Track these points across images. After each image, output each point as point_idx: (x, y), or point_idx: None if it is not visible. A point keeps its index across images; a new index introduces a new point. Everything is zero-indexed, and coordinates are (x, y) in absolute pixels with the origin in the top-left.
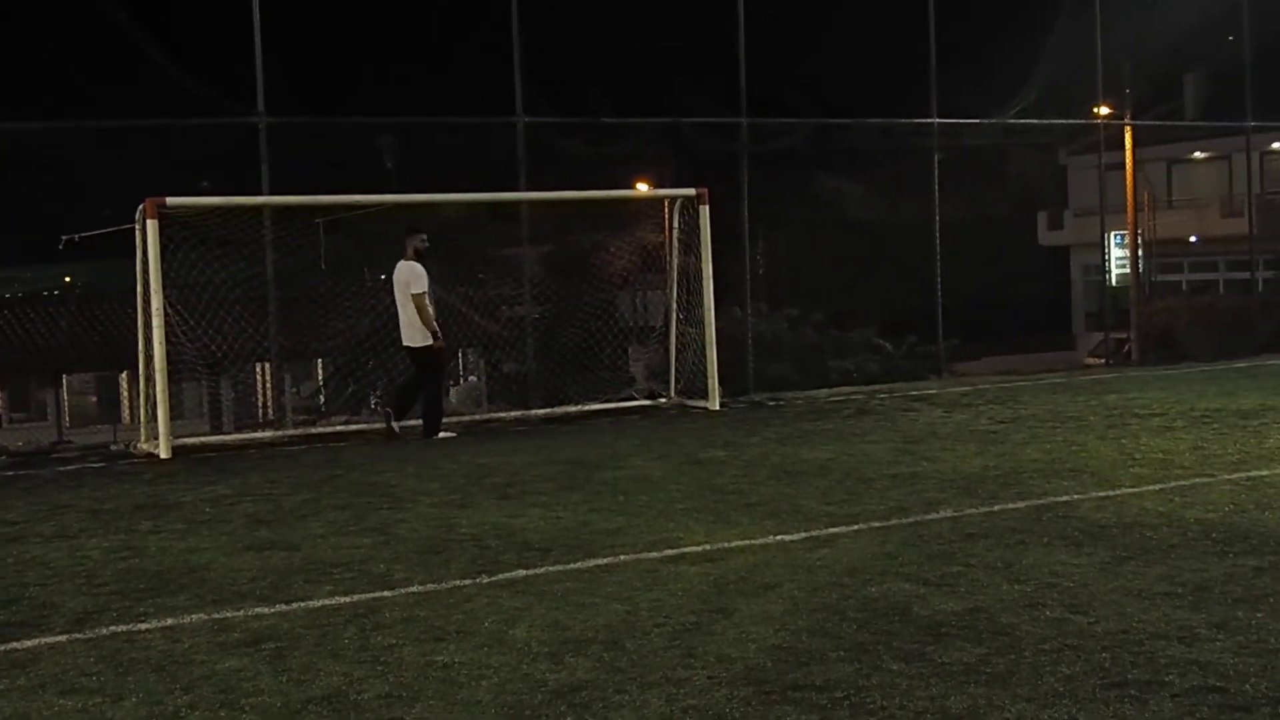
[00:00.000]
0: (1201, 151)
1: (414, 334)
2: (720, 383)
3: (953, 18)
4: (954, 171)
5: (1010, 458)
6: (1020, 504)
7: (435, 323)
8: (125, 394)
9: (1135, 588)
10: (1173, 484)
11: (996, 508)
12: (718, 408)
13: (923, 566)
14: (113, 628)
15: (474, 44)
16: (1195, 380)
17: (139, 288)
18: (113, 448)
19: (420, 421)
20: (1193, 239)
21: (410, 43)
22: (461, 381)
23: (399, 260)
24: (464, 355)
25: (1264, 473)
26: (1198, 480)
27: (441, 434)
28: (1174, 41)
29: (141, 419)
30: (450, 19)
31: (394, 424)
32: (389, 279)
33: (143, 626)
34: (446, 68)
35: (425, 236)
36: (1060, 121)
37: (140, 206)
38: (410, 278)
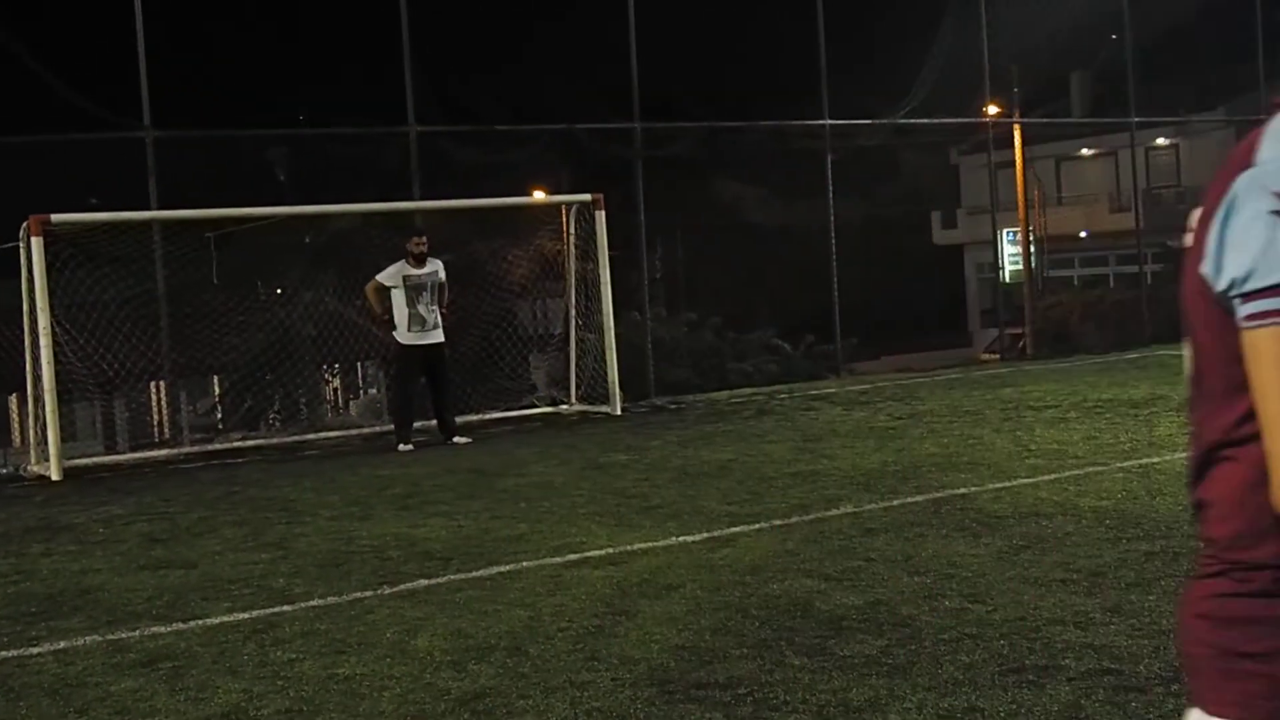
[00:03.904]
0: (1089, 149)
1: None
2: (621, 388)
3: (842, 20)
4: (848, 173)
5: (908, 453)
6: (919, 498)
7: (381, 318)
8: (14, 416)
9: (1031, 575)
10: (1067, 474)
11: (895, 502)
12: (619, 413)
13: (824, 562)
14: (3, 653)
15: (364, 53)
16: (1088, 372)
17: (25, 307)
18: (2, 471)
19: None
20: (1082, 234)
21: (299, 53)
22: (361, 394)
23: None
24: (362, 367)
25: (1155, 460)
26: (1091, 469)
27: (400, 446)
28: (1059, 41)
29: (32, 441)
30: (340, 28)
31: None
32: (285, 293)
33: (34, 650)
34: (338, 78)
35: (418, 240)
36: (949, 121)
37: (24, 224)
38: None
